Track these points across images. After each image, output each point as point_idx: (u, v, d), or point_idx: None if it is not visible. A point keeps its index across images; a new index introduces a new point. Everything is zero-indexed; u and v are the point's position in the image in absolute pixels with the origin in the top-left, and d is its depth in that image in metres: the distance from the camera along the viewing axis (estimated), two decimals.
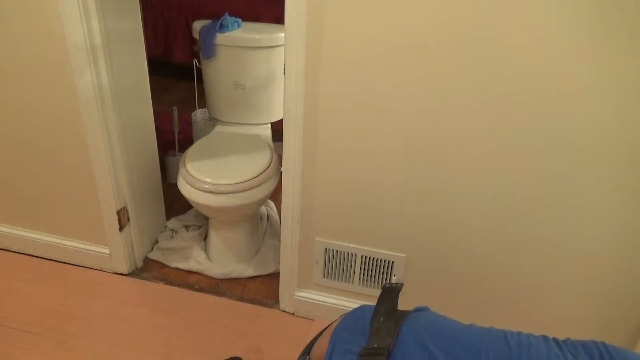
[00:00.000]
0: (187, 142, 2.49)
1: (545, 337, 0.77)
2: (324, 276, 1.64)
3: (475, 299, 1.53)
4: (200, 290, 1.82)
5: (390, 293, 0.86)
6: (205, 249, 1.97)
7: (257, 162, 1.77)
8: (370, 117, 1.32)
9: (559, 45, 1.12)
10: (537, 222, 1.36)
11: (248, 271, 1.89)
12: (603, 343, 0.73)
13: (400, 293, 0.88)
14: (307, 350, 0.93)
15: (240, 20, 2.10)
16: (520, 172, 1.30)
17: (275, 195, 2.10)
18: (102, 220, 1.78)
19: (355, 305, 1.65)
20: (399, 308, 0.88)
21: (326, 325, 0.94)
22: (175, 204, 2.24)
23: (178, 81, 3.57)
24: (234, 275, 1.88)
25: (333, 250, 1.58)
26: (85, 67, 1.48)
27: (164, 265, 1.92)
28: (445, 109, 1.26)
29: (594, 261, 1.37)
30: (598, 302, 1.43)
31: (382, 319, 0.81)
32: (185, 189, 1.71)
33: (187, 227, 2.09)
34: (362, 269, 1.58)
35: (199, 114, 2.52)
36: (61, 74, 1.52)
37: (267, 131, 2.16)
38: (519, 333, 0.77)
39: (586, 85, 1.15)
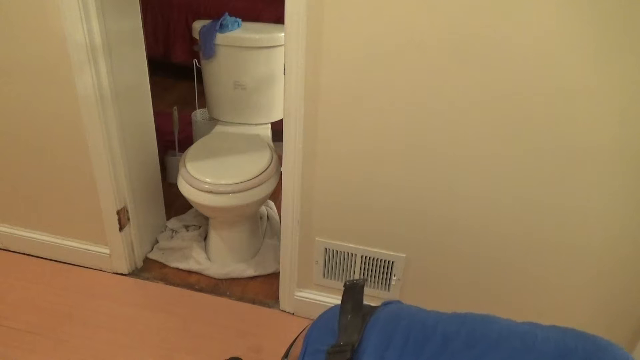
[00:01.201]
0: (187, 142, 2.49)
1: (507, 319, 0.80)
2: (324, 276, 1.64)
3: (475, 299, 1.53)
4: (200, 290, 1.82)
5: (353, 289, 0.87)
6: (205, 249, 1.97)
7: (257, 162, 1.77)
8: (371, 117, 1.32)
9: (560, 45, 1.12)
10: (538, 223, 1.36)
11: (248, 271, 1.89)
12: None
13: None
14: (286, 353, 0.94)
15: (240, 20, 2.10)
16: (520, 172, 1.30)
17: (275, 195, 2.10)
18: (102, 220, 1.78)
19: None
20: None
21: (303, 328, 0.95)
22: (175, 204, 2.24)
23: (178, 81, 3.57)
24: (234, 275, 1.88)
25: (333, 250, 1.58)
26: (85, 67, 1.48)
27: (164, 265, 1.92)
28: (446, 109, 1.26)
29: (595, 262, 1.37)
30: (599, 302, 1.43)
31: (349, 316, 0.82)
32: (185, 189, 1.71)
33: (187, 227, 2.09)
34: (362, 269, 1.58)
35: (199, 114, 2.52)
36: (61, 74, 1.52)
37: (267, 131, 2.16)
38: (480, 313, 0.80)
39: (587, 85, 1.15)
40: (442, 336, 0.73)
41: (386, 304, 0.88)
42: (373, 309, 0.85)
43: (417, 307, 0.85)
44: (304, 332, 0.89)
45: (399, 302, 0.90)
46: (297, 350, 0.88)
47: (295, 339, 0.94)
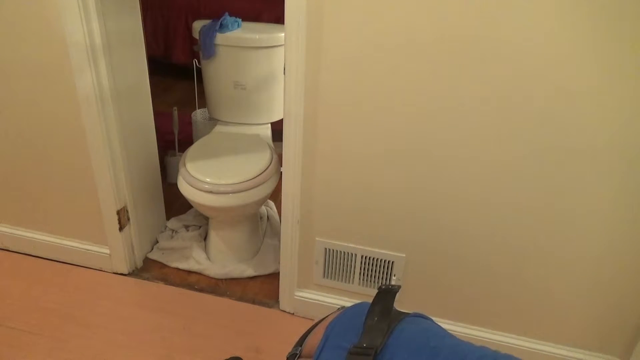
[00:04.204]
0: (187, 142, 2.49)
1: None
2: (324, 276, 1.64)
3: (474, 299, 1.53)
4: (200, 290, 1.82)
5: (386, 294, 0.86)
6: (205, 249, 1.97)
7: (257, 162, 1.77)
8: (370, 118, 1.32)
9: (560, 46, 1.12)
10: (536, 227, 1.36)
11: (248, 271, 1.89)
12: None
13: (399, 293, 0.88)
14: (301, 341, 0.93)
15: (240, 20, 2.10)
16: (519, 174, 1.30)
17: (275, 195, 2.10)
18: (102, 220, 1.78)
19: None
20: (400, 309, 0.88)
21: (322, 317, 0.95)
22: (175, 204, 2.24)
23: (178, 81, 3.58)
24: (234, 275, 1.88)
25: (333, 250, 1.58)
26: (85, 67, 1.48)
27: (164, 265, 1.92)
28: (446, 110, 1.26)
29: (594, 263, 1.37)
30: (594, 312, 1.43)
31: (376, 319, 0.81)
32: (185, 189, 1.71)
33: (187, 227, 2.09)
34: (362, 269, 1.58)
35: (199, 114, 2.52)
36: (61, 74, 1.52)
37: (267, 131, 2.16)
38: (510, 355, 0.78)
39: (588, 86, 1.15)
40: None
41: (416, 315, 0.87)
42: (401, 315, 0.84)
43: (445, 330, 0.84)
44: (324, 323, 0.88)
45: (429, 317, 0.89)
46: (314, 339, 0.87)
47: (312, 327, 0.94)
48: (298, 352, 0.90)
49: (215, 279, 1.88)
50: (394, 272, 1.55)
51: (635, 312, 1.42)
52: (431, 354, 0.74)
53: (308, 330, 0.95)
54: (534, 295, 1.47)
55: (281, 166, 1.57)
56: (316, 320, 0.97)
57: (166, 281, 1.85)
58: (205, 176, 1.68)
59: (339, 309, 0.93)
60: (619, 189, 1.26)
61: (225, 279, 1.88)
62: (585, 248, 1.36)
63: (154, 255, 1.95)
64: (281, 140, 1.44)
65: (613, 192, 1.26)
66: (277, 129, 1.85)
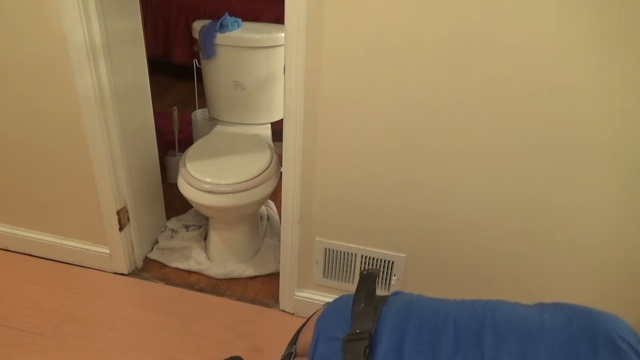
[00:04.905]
0: (187, 142, 2.49)
1: (515, 302, 0.82)
2: (324, 276, 1.64)
3: (475, 298, 1.53)
4: (200, 290, 1.82)
5: (367, 279, 0.89)
6: (205, 249, 1.97)
7: (257, 162, 1.77)
8: (370, 116, 1.32)
9: (559, 44, 1.12)
10: (537, 221, 1.36)
11: (248, 271, 1.89)
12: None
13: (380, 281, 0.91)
14: (293, 340, 0.94)
15: (240, 20, 2.10)
16: (520, 170, 1.30)
17: (275, 195, 2.10)
18: (102, 220, 1.78)
19: None
20: None
21: (309, 316, 0.96)
22: (175, 204, 2.24)
23: (178, 81, 3.58)
24: (234, 275, 1.88)
25: (333, 250, 1.58)
26: (85, 67, 1.48)
27: (164, 265, 1.92)
28: (445, 108, 1.26)
29: (595, 260, 1.37)
30: (596, 299, 1.43)
31: (362, 305, 0.83)
32: (185, 189, 1.71)
33: (187, 227, 2.09)
34: (362, 269, 1.58)
35: (199, 114, 2.52)
36: (61, 74, 1.52)
37: (267, 131, 2.16)
38: (488, 300, 0.82)
39: (585, 84, 1.15)
40: (454, 325, 0.75)
41: (396, 293, 0.89)
42: (384, 298, 0.86)
43: (427, 296, 0.86)
44: (313, 319, 0.89)
45: (409, 293, 0.91)
46: (306, 336, 0.88)
47: (303, 325, 0.95)
48: (293, 351, 0.91)
49: (215, 279, 1.88)
50: (394, 272, 1.55)
51: (635, 307, 1.42)
52: (418, 326, 0.77)
53: (298, 329, 0.96)
54: (535, 296, 1.47)
55: (281, 166, 1.57)
56: (304, 321, 0.98)
57: (166, 281, 1.85)
58: (205, 176, 1.68)
59: (324, 305, 0.94)
60: (618, 185, 1.26)
61: (225, 279, 1.88)
62: (586, 248, 1.36)
63: (154, 255, 1.95)
64: (281, 140, 1.44)
65: (612, 188, 1.26)
66: (277, 129, 1.85)
